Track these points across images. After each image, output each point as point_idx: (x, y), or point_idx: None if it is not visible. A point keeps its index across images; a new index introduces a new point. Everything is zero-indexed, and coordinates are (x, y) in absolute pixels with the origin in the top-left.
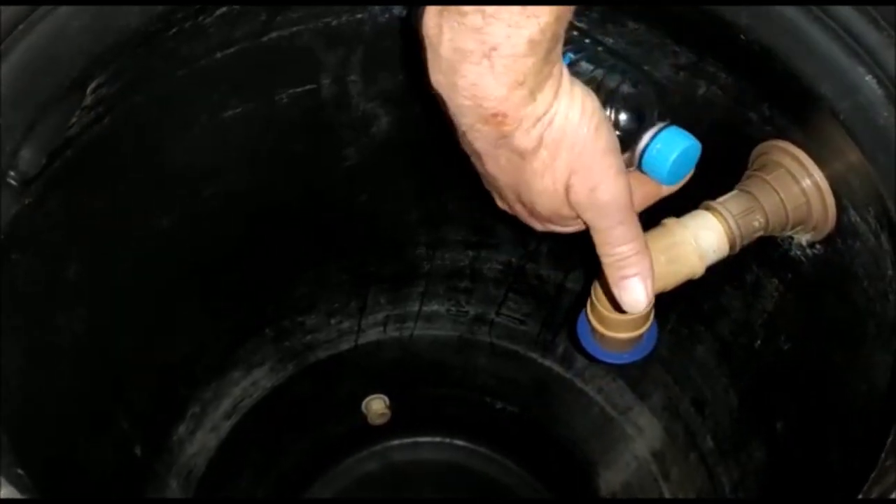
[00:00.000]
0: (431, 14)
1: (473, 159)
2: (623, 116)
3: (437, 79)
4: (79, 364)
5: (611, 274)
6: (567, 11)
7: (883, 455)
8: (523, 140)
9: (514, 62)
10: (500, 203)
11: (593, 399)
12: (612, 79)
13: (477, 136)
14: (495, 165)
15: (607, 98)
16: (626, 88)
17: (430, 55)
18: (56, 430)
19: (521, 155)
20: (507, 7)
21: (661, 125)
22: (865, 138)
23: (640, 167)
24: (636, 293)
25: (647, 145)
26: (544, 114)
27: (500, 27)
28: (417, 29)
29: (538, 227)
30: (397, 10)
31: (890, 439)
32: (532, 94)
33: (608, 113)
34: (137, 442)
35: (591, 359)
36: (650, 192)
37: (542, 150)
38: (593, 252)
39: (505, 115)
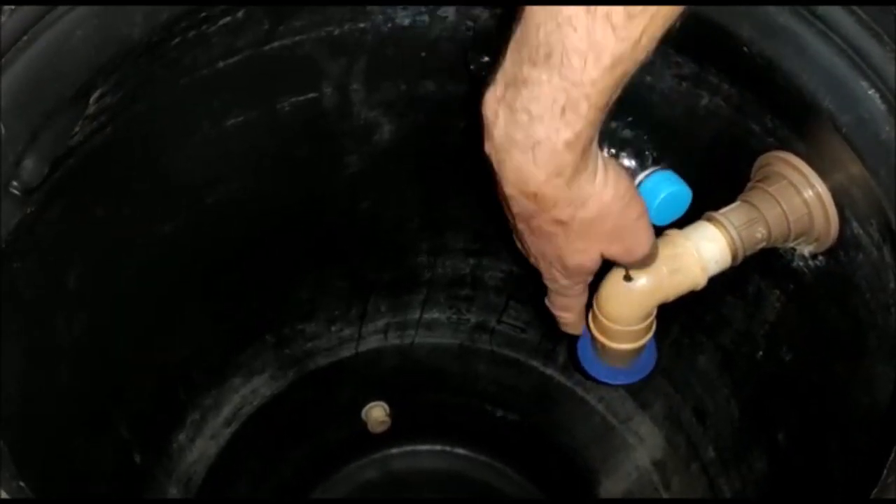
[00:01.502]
0: (491, 99)
1: (507, 214)
2: (626, 160)
3: (490, 151)
4: (79, 370)
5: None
6: (599, 121)
7: (885, 472)
8: (558, 214)
9: (553, 156)
10: (520, 247)
11: (594, 408)
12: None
13: (515, 204)
14: (526, 227)
15: (606, 137)
16: (626, 132)
17: (486, 130)
18: (55, 437)
19: (554, 225)
20: (551, 114)
21: (655, 168)
22: (868, 152)
23: None
24: None
25: (639, 183)
26: (579, 198)
27: (542, 128)
28: (478, 103)
29: (556, 280)
30: (399, 19)
31: (892, 456)
32: (568, 184)
33: (605, 151)
34: (137, 449)
35: (593, 380)
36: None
37: (575, 223)
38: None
39: (543, 197)
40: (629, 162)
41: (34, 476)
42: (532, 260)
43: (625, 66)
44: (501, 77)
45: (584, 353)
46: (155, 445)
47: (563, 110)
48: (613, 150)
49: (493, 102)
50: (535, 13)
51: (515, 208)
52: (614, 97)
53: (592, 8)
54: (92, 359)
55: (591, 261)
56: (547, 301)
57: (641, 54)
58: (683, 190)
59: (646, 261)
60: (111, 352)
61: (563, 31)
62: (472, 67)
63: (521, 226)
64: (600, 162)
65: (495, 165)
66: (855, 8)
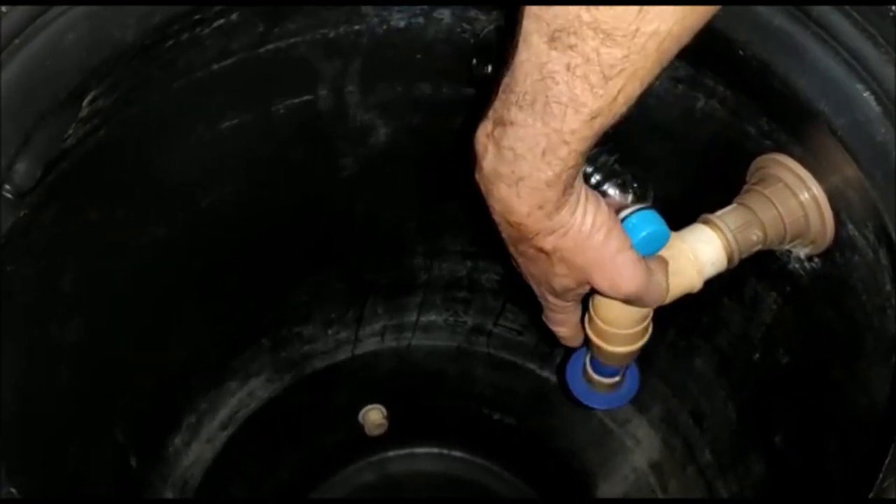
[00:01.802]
0: (482, 134)
1: (500, 235)
2: (609, 189)
3: (479, 180)
4: (74, 374)
5: None
6: (580, 159)
7: (881, 476)
8: (540, 244)
9: (535, 192)
10: (514, 265)
11: (591, 410)
12: (603, 156)
13: (502, 230)
14: (515, 250)
15: (596, 171)
16: (615, 166)
17: (476, 161)
18: (51, 442)
19: (537, 252)
20: (533, 154)
21: (641, 205)
22: (863, 154)
23: None
24: None
25: (623, 218)
26: (560, 228)
27: (525, 166)
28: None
29: (546, 299)
30: (395, 21)
31: (889, 459)
32: (549, 216)
33: (593, 182)
34: (133, 453)
35: (581, 405)
36: None
37: (557, 252)
38: None
39: (525, 227)
40: (614, 191)
41: (29, 481)
42: (524, 277)
43: (603, 119)
44: (492, 115)
45: (573, 375)
46: (151, 449)
47: (545, 152)
48: (612, 158)
49: (483, 137)
50: (523, 64)
51: (503, 233)
52: (594, 142)
53: (572, 66)
54: (88, 362)
55: (575, 284)
56: (543, 317)
57: (620, 109)
58: (663, 231)
59: (640, 299)
60: (107, 355)
61: (546, 84)
62: (474, 76)
63: (510, 249)
64: (583, 195)
65: (484, 194)
66: (851, 11)
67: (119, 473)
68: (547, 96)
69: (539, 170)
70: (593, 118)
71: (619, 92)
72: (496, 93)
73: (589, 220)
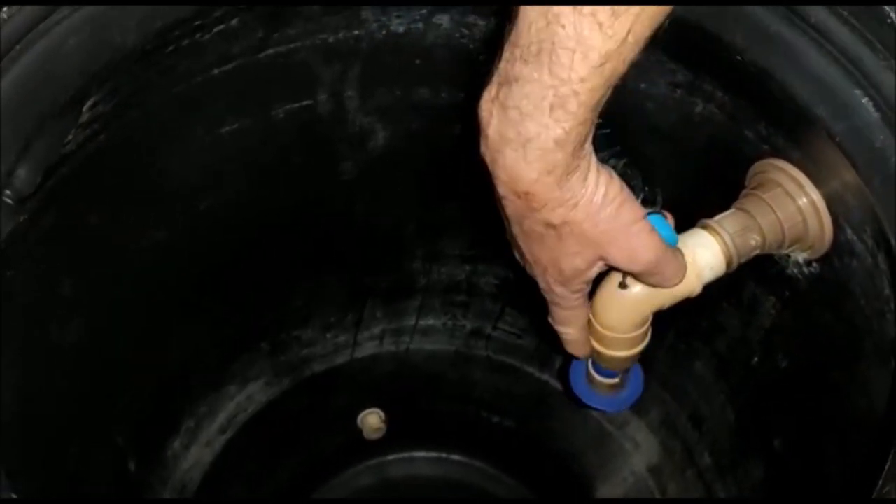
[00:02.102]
0: (486, 99)
1: (504, 220)
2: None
3: (484, 151)
4: (74, 378)
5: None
6: (590, 116)
7: (881, 482)
8: (549, 216)
9: (544, 155)
10: (516, 254)
11: (590, 414)
12: (612, 160)
13: (508, 204)
14: (520, 230)
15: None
16: (625, 170)
17: (481, 130)
18: (50, 445)
19: (546, 227)
20: (540, 111)
21: (650, 210)
22: (862, 160)
23: None
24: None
25: None
26: (570, 198)
27: (533, 125)
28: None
29: (552, 290)
30: (394, 27)
31: (888, 465)
32: (559, 183)
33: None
34: (132, 457)
35: (585, 406)
36: None
37: (567, 226)
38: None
39: (534, 196)
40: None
41: (29, 484)
42: (528, 269)
43: (613, 64)
44: (496, 77)
45: (577, 378)
46: (150, 453)
47: (552, 107)
48: (621, 162)
49: (488, 102)
50: (527, 12)
51: (508, 209)
52: (605, 97)
53: (579, 7)
54: (87, 365)
55: (585, 264)
56: (549, 318)
57: (630, 53)
58: (671, 236)
59: (660, 272)
60: (106, 358)
61: (552, 29)
62: None
63: (514, 229)
64: (593, 164)
65: (489, 165)
66: (849, 17)
67: (118, 477)
68: (553, 43)
69: (547, 128)
70: (603, 63)
71: (628, 32)
72: (499, 58)
73: (601, 190)
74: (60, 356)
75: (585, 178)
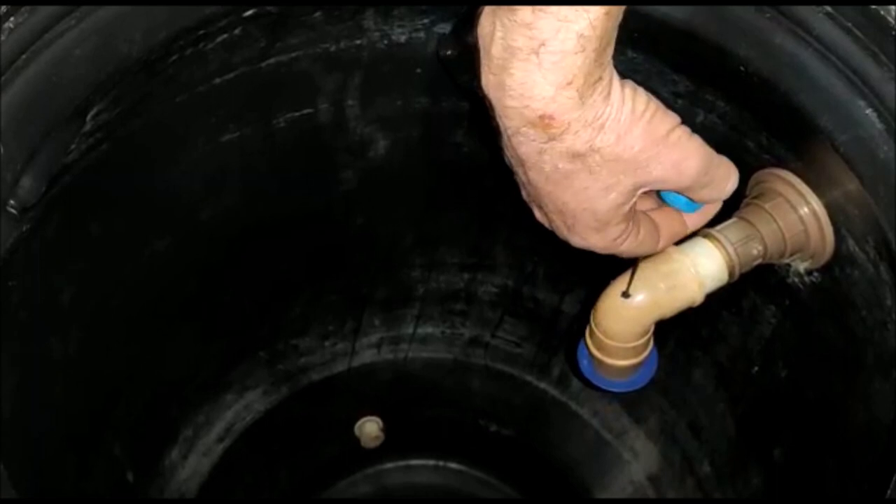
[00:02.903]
0: (486, 13)
1: (516, 168)
2: None
3: (488, 79)
4: (71, 388)
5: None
6: (617, 8)
7: (889, 491)
8: (573, 143)
9: (563, 59)
10: (538, 215)
11: (589, 422)
12: None
13: (522, 140)
14: (539, 174)
15: None
16: None
17: (482, 56)
18: (48, 455)
19: (571, 159)
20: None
21: None
22: (866, 171)
23: (660, 197)
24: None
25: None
26: (595, 119)
27: (549, 21)
28: (472, 35)
29: (576, 240)
30: (396, 36)
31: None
32: (581, 97)
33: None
34: (129, 467)
35: (592, 386)
36: (678, 229)
37: (596, 154)
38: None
39: (552, 118)
40: None
41: (26, 496)
42: (556, 226)
43: None
44: None
45: (584, 358)
46: (147, 462)
47: None
48: None
49: (489, 15)
50: None
51: (522, 148)
52: None
53: None
54: (85, 375)
55: (624, 197)
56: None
57: None
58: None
59: (711, 181)
60: (104, 368)
61: None
62: (441, 56)
63: (532, 175)
64: (615, 77)
65: (494, 95)
66: (852, 28)
67: (116, 487)
68: None
69: (568, 21)
70: None
71: None
72: None
73: (628, 105)
74: (58, 366)
75: (609, 94)
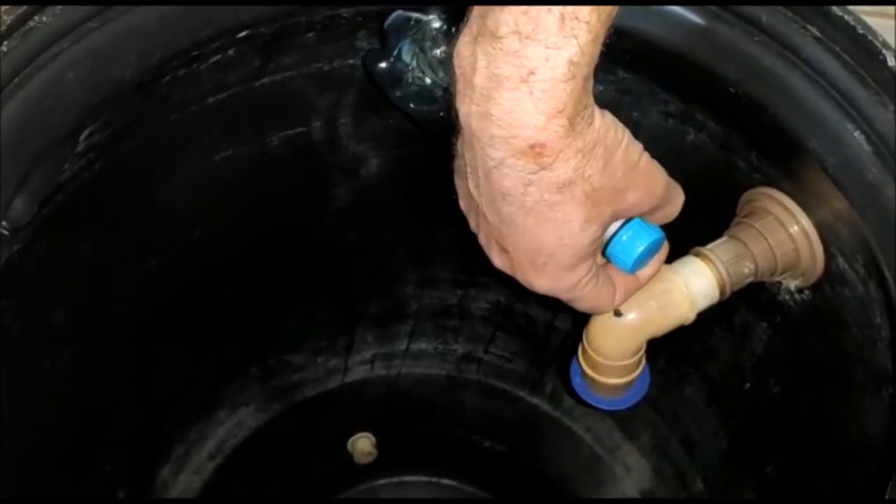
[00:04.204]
0: (464, 42)
1: (486, 207)
2: None
3: (469, 109)
4: (62, 406)
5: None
6: (602, 31)
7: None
8: (563, 172)
9: (554, 87)
10: (496, 261)
11: (581, 438)
12: None
13: (507, 172)
14: (520, 209)
15: None
16: None
17: (461, 86)
18: (39, 473)
19: (559, 189)
20: (545, 28)
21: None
22: (854, 193)
23: (603, 255)
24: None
25: (613, 235)
26: (584, 146)
27: (538, 49)
28: (449, 63)
29: (542, 283)
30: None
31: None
32: (571, 125)
33: None
34: (121, 485)
35: (585, 404)
36: (632, 283)
37: (585, 183)
38: None
39: (544, 146)
40: None
41: None
42: (523, 268)
43: None
44: (473, 17)
45: (576, 376)
46: (139, 480)
47: (563, 18)
48: None
49: (468, 44)
50: None
51: (507, 182)
52: (615, 10)
53: None
54: (76, 394)
55: (602, 227)
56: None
57: None
58: (659, 236)
59: (668, 200)
60: (96, 386)
61: None
62: (370, 70)
63: (510, 210)
64: (595, 105)
65: (476, 126)
66: (840, 52)
67: None
68: None
69: (558, 48)
70: None
71: None
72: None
73: (611, 132)
74: (50, 384)
75: (592, 121)
